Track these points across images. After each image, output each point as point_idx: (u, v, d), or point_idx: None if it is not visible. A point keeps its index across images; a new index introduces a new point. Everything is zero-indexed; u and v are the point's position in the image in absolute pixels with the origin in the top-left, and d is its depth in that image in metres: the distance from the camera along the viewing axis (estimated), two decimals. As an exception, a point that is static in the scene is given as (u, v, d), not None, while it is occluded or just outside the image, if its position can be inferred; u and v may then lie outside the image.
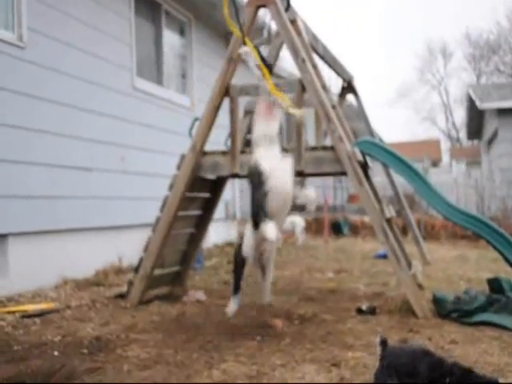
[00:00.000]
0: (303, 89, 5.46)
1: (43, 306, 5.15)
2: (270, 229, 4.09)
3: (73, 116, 6.67)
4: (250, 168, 4.42)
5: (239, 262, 4.51)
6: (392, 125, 63.28)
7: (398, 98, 67.19)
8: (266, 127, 4.42)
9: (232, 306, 4.53)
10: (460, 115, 42.61)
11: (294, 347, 4.00)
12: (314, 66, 5.81)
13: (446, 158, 40.39)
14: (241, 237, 4.61)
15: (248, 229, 4.44)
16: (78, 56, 6.80)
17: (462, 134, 44.16)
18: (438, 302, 5.19)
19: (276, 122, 4.47)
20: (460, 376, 2.45)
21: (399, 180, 9.16)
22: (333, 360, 3.70)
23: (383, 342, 2.78)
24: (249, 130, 7.42)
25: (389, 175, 9.17)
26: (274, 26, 10.04)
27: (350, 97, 9.49)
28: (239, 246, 4.54)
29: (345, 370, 3.52)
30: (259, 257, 4.53)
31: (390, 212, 5.71)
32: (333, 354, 3.83)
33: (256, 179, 4.24)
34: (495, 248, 5.16)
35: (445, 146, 45.74)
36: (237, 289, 4.55)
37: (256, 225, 4.25)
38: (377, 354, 2.78)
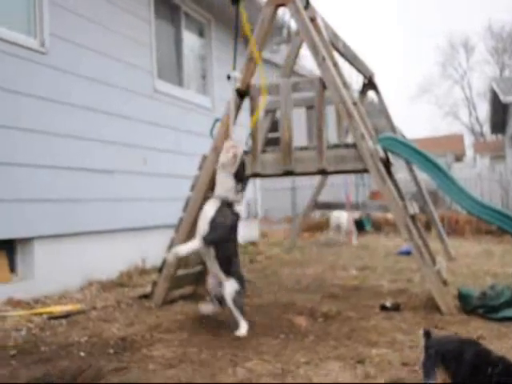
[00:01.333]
0: (324, 87, 5.45)
1: (69, 307, 5.21)
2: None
3: (94, 119, 6.74)
4: None
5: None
6: (414, 120, 62.92)
7: (420, 94, 66.74)
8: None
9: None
10: (483, 109, 42.20)
11: (318, 344, 4.00)
12: (335, 64, 5.79)
13: (469, 152, 39.98)
14: None
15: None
16: (99, 60, 6.87)
17: (486, 129, 43.68)
18: (463, 297, 5.15)
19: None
20: (504, 369, 2.44)
21: (422, 176, 9.13)
22: (357, 357, 3.69)
23: (427, 333, 2.80)
24: (269, 130, 7.47)
25: (412, 171, 9.13)
26: (293, 25, 10.09)
27: (371, 93, 9.49)
28: None
29: (370, 366, 3.51)
30: None
31: (413, 209, 5.67)
32: (357, 351, 3.82)
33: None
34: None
35: (468, 140, 45.32)
36: None
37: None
38: (420, 345, 2.80)
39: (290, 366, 3.54)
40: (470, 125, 47.98)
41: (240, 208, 4.65)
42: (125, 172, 7.26)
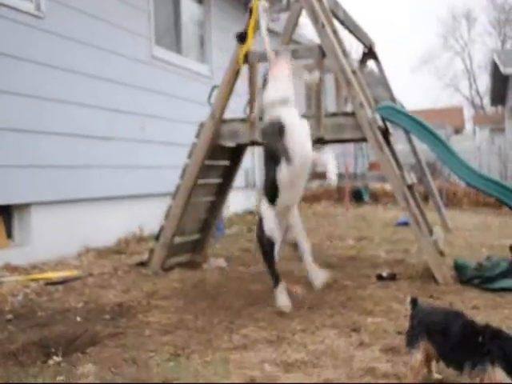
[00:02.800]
0: (323, 54, 5.38)
1: (66, 273, 5.23)
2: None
3: (92, 85, 6.66)
4: (268, 124, 4.07)
5: (267, 246, 4.07)
6: (414, 91, 62.53)
7: (421, 65, 66.20)
8: (282, 89, 4.12)
9: (283, 299, 4.08)
10: (484, 82, 41.90)
11: (314, 313, 4.02)
12: (334, 31, 5.70)
13: (468, 125, 39.84)
14: (259, 219, 4.18)
15: (264, 206, 4.14)
16: (96, 25, 6.77)
17: (486, 101, 43.47)
18: (459, 268, 5.16)
19: (290, 82, 4.19)
20: (491, 336, 2.45)
21: (421, 147, 9.09)
22: (352, 325, 3.71)
23: (413, 301, 2.79)
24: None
25: (411, 142, 9.07)
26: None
27: (370, 63, 9.37)
28: (261, 230, 4.11)
29: (364, 334, 3.53)
30: (286, 232, 4.17)
31: (411, 179, 5.65)
32: (352, 320, 3.84)
33: (276, 132, 3.91)
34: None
35: (468, 113, 45.11)
36: (277, 278, 4.15)
37: (272, 200, 4.06)
38: (408, 312, 2.79)
39: (286, 333, 3.55)
40: (471, 97, 47.75)
41: None
42: (123, 139, 7.22)
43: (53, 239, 6.00)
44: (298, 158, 3.87)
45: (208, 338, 3.45)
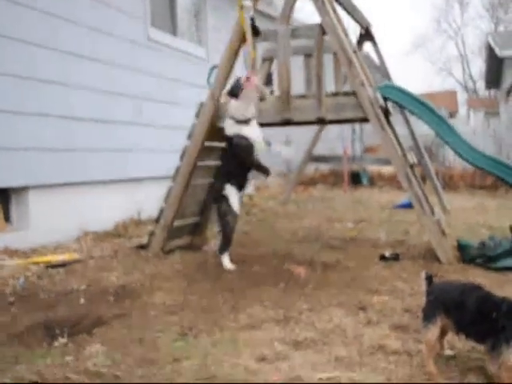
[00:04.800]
0: (323, 33, 5.31)
1: (66, 256, 5.17)
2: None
3: (88, 67, 6.56)
4: (242, 142, 4.94)
5: (232, 219, 5.00)
6: (408, 76, 62.28)
7: (414, 49, 65.94)
8: (250, 109, 4.94)
9: (228, 262, 4.87)
10: (477, 66, 41.82)
11: (319, 292, 3.99)
12: (334, 10, 5.64)
13: (462, 110, 39.79)
14: (224, 198, 5.00)
15: (229, 188, 4.98)
16: (91, 4, 6.65)
17: (479, 85, 43.44)
18: (462, 248, 5.15)
19: (256, 104, 5.06)
20: (507, 311, 2.42)
21: (418, 130, 9.06)
22: (359, 304, 3.69)
23: (429, 278, 2.75)
24: (266, 78, 7.33)
25: (408, 125, 9.03)
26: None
27: (365, 47, 9.31)
28: (227, 206, 4.98)
29: (372, 313, 3.51)
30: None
31: (412, 159, 5.62)
32: (359, 299, 3.81)
33: (251, 151, 4.95)
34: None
35: (461, 97, 45.03)
36: (228, 245, 4.99)
37: (241, 187, 5.06)
38: (421, 291, 2.76)
39: (292, 312, 3.52)
40: (464, 81, 47.69)
41: None
42: (121, 122, 7.13)
43: (51, 222, 5.93)
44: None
45: (214, 317, 3.42)
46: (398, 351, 2.88)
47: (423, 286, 2.76)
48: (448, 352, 2.81)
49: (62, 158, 6.12)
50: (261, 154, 5.02)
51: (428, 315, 2.65)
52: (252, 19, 5.24)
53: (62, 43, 6.16)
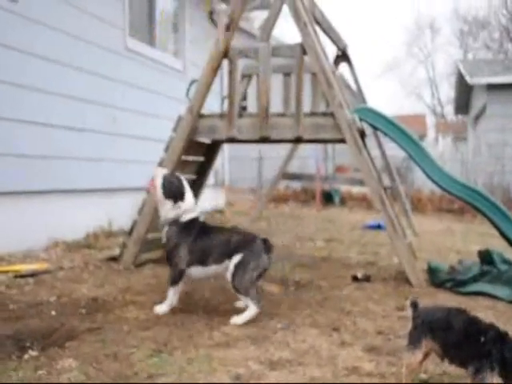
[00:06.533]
0: (304, 53, 5.37)
1: (36, 266, 5.08)
2: None
3: (63, 74, 6.49)
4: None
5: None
6: (378, 98, 63.13)
7: (385, 72, 67.01)
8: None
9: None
10: (446, 91, 42.64)
11: (293, 312, 3.99)
12: (314, 31, 5.71)
13: (431, 133, 40.48)
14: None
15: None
16: (71, 12, 6.59)
17: (447, 110, 44.25)
18: (432, 271, 5.22)
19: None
20: (495, 337, 2.46)
21: (388, 152, 9.18)
22: (332, 325, 3.71)
23: (414, 304, 2.77)
24: (244, 97, 7.36)
25: (381, 147, 9.15)
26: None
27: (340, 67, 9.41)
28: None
29: (345, 334, 3.53)
30: None
31: (385, 181, 5.69)
32: (332, 319, 3.83)
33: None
34: (490, 221, 5.16)
35: (430, 121, 45.86)
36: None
37: None
38: (408, 315, 2.78)
39: (267, 331, 3.52)
40: (432, 105, 48.57)
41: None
42: (94, 131, 7.06)
43: (19, 231, 5.80)
44: None
45: (189, 334, 3.39)
46: (372, 373, 2.90)
47: (409, 312, 2.78)
48: (421, 376, 2.84)
49: (32, 165, 6.01)
50: None
51: (413, 339, 2.67)
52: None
53: (40, 49, 6.09)
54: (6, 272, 4.80)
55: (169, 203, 4.06)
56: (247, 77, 7.07)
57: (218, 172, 10.69)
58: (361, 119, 5.42)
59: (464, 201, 5.30)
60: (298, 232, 8.64)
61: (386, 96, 76.54)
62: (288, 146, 9.51)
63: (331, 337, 3.48)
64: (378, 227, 9.04)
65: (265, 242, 3.88)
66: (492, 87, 16.23)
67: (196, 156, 6.07)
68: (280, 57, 5.78)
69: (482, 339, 2.45)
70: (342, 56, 9.08)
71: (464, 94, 20.92)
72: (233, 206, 11.58)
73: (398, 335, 3.47)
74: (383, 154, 9.20)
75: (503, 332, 2.50)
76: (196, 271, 3.99)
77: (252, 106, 10.16)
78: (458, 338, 2.55)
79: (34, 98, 6.03)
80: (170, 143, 5.47)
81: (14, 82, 5.77)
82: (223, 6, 5.32)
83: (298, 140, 5.72)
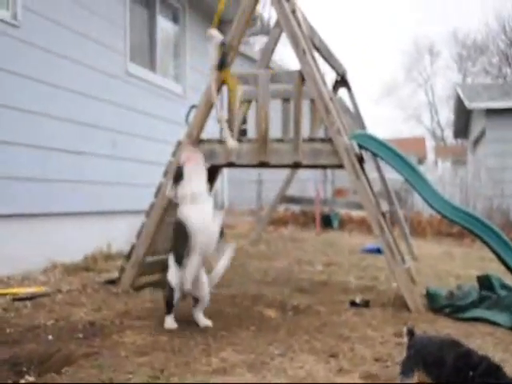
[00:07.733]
0: (302, 80, 5.43)
1: (33, 289, 5.08)
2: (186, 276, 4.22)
3: (65, 98, 6.57)
4: (177, 225, 4.30)
5: (169, 291, 4.25)
6: (377, 122, 63.45)
7: (384, 96, 67.40)
8: (195, 185, 4.34)
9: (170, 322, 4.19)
10: (445, 114, 42.87)
11: (291, 337, 3.98)
12: (313, 58, 5.78)
13: (430, 156, 40.64)
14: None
15: (170, 261, 4.28)
16: (72, 37, 6.70)
17: (447, 133, 44.46)
18: (431, 296, 5.21)
19: (202, 178, 4.45)
20: (485, 371, 2.45)
21: (387, 175, 9.22)
22: (330, 351, 3.69)
23: (410, 332, 2.78)
24: (244, 120, 7.41)
25: (379, 171, 9.19)
26: (266, 16, 10.05)
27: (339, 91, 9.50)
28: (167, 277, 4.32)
29: (343, 361, 3.51)
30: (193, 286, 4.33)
31: (384, 206, 5.71)
32: (330, 345, 3.82)
33: (181, 234, 4.21)
34: (489, 246, 5.17)
35: (429, 144, 46.05)
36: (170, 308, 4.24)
37: (180, 263, 4.22)
38: (404, 342, 2.78)
39: (265, 357, 3.51)
40: (432, 129, 48.80)
41: None
42: (93, 154, 7.11)
43: (18, 253, 5.82)
44: (199, 252, 4.23)
45: (186, 360, 3.38)
46: (370, 401, 2.89)
47: (405, 339, 2.79)
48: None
49: (30, 188, 6.05)
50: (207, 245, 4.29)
51: (406, 369, 2.67)
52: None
53: (40, 73, 6.16)
54: (5, 295, 4.80)
55: None
56: (247, 102, 7.12)
57: (218, 195, 10.71)
58: (359, 145, 5.45)
59: (462, 226, 5.32)
60: (297, 255, 8.63)
61: (385, 120, 76.99)
62: (287, 169, 9.56)
63: (329, 364, 3.46)
64: (378, 251, 9.02)
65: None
66: (491, 112, 16.31)
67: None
68: (279, 83, 5.84)
69: (471, 374, 2.44)
70: (341, 81, 9.18)
71: (463, 119, 21.02)
72: (232, 229, 11.58)
73: (395, 362, 3.46)
74: (382, 177, 9.24)
75: (495, 365, 2.49)
76: None
77: (252, 130, 10.25)
78: (450, 373, 2.54)
79: (34, 122, 6.09)
80: (170, 168, 5.50)
81: (16, 106, 5.83)
82: (217, 34, 5.36)
83: (296, 165, 5.76)
